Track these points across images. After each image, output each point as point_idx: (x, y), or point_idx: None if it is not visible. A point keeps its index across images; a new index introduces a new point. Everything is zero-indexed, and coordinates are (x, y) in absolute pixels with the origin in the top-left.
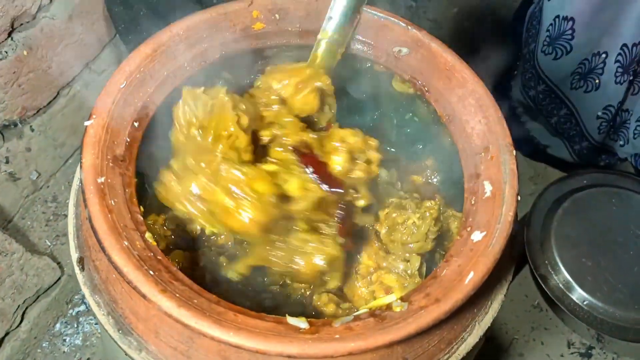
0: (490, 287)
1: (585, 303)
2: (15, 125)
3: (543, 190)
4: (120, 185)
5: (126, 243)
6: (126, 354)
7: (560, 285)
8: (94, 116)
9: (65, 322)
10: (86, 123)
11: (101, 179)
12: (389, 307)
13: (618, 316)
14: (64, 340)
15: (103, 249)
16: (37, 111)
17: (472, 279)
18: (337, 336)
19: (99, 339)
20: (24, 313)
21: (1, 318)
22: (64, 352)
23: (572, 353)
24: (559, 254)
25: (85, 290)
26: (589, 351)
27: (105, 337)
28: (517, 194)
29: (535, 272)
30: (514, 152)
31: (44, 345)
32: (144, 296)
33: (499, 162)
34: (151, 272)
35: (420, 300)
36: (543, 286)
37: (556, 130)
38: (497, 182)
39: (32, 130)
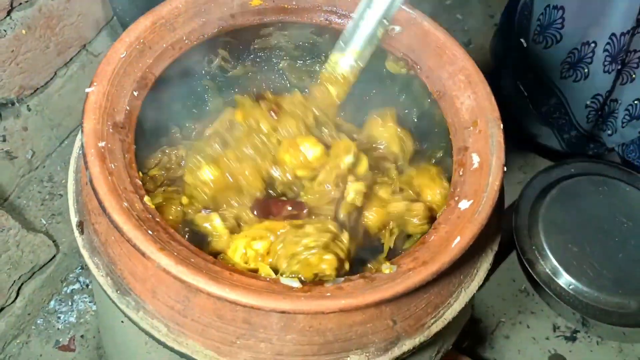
0: (477, 255)
1: (570, 287)
2: (13, 104)
3: (531, 178)
4: (120, 150)
5: (126, 204)
6: (124, 314)
7: (547, 270)
8: (94, 83)
9: (60, 300)
10: (87, 90)
11: (102, 144)
12: (377, 269)
13: (602, 300)
14: (58, 317)
15: (104, 209)
16: (35, 91)
17: (458, 243)
18: (328, 294)
19: (93, 317)
20: (19, 289)
21: None
22: (58, 329)
23: (557, 336)
24: (546, 240)
25: (84, 253)
26: (574, 335)
27: (103, 299)
28: (504, 165)
29: (522, 257)
30: (502, 126)
31: (38, 322)
32: (143, 254)
33: (487, 135)
34: (150, 232)
35: (408, 264)
36: (530, 271)
37: (546, 119)
38: (485, 154)
39: (29, 109)
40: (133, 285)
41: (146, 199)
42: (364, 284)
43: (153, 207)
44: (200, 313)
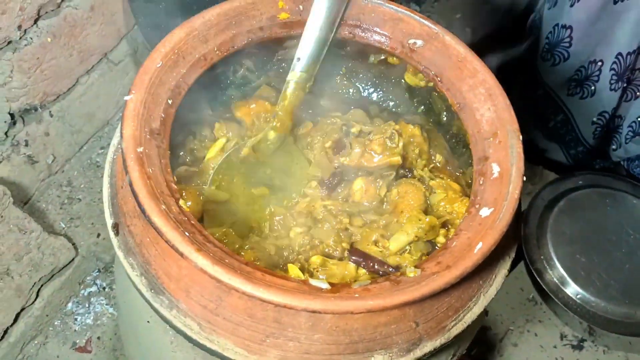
0: (496, 261)
1: (578, 297)
2: (36, 109)
3: (540, 189)
4: (156, 155)
5: (164, 207)
6: (157, 313)
7: (555, 279)
8: (133, 92)
9: (77, 302)
10: (126, 98)
11: (140, 149)
12: (403, 273)
13: (609, 310)
14: (75, 319)
15: (143, 211)
16: (57, 97)
17: (480, 249)
18: (356, 295)
19: (110, 319)
20: (38, 291)
21: (18, 294)
22: (75, 330)
23: (564, 345)
24: (554, 250)
25: (120, 253)
26: (581, 343)
27: (129, 300)
28: (523, 175)
29: (531, 266)
30: (521, 137)
31: (56, 323)
32: (181, 254)
33: (507, 146)
34: (187, 234)
35: (432, 267)
36: (538, 280)
37: (553, 134)
38: (505, 164)
39: (51, 115)
40: (167, 284)
41: (181, 202)
42: (390, 286)
43: (188, 210)
44: (232, 312)
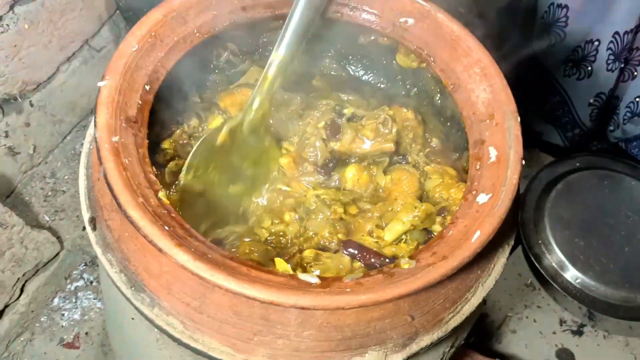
0: (494, 249)
1: (577, 281)
2: (15, 99)
3: (536, 172)
4: (133, 145)
5: (141, 199)
6: (138, 311)
7: (554, 264)
8: (107, 77)
9: (64, 297)
10: (99, 84)
11: (115, 138)
12: (397, 265)
13: (609, 294)
14: (62, 314)
15: (119, 205)
16: (37, 86)
17: (478, 237)
18: (347, 289)
19: (97, 314)
20: (23, 286)
21: (1, 290)
22: (62, 326)
23: (564, 330)
24: (553, 234)
25: (97, 249)
26: (581, 329)
27: (113, 297)
28: (522, 159)
29: (529, 251)
30: (519, 118)
31: (42, 319)
32: (160, 250)
33: (504, 129)
34: (166, 227)
35: (427, 259)
36: (537, 265)
37: (549, 117)
38: (502, 147)
39: (32, 105)
40: (148, 281)
41: (161, 194)
42: (383, 279)
43: (168, 202)
44: (216, 310)
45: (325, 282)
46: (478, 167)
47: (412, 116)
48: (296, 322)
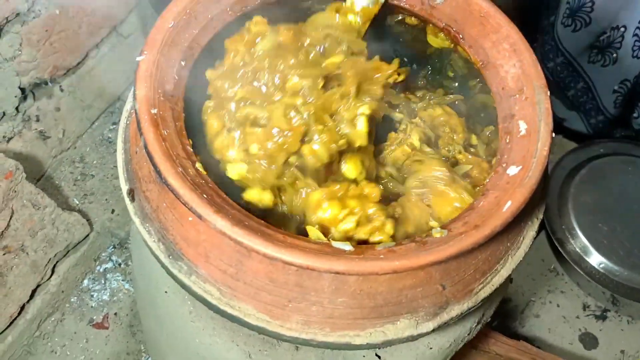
0: (524, 222)
1: (601, 266)
2: (46, 84)
3: (560, 158)
4: (171, 118)
5: (180, 169)
6: (175, 280)
7: (577, 249)
8: (145, 52)
9: (93, 279)
10: (138, 58)
11: (154, 110)
12: (428, 234)
13: (633, 279)
14: (92, 295)
15: (159, 174)
16: (67, 71)
17: (509, 207)
18: (381, 256)
19: (126, 295)
20: (54, 267)
21: (33, 270)
22: (91, 307)
23: (587, 315)
24: (576, 219)
25: (136, 220)
26: (604, 314)
27: (146, 271)
28: (552, 131)
29: (552, 236)
30: (548, 92)
31: (72, 300)
32: (199, 216)
33: (534, 102)
34: (205, 195)
35: (459, 228)
36: (560, 250)
37: (572, 103)
38: (532, 120)
39: (62, 90)
40: (185, 250)
41: (198, 165)
42: (415, 247)
43: (205, 172)
44: (252, 276)
45: (359, 249)
46: (508, 141)
47: (454, 113)
48: (330, 289)
